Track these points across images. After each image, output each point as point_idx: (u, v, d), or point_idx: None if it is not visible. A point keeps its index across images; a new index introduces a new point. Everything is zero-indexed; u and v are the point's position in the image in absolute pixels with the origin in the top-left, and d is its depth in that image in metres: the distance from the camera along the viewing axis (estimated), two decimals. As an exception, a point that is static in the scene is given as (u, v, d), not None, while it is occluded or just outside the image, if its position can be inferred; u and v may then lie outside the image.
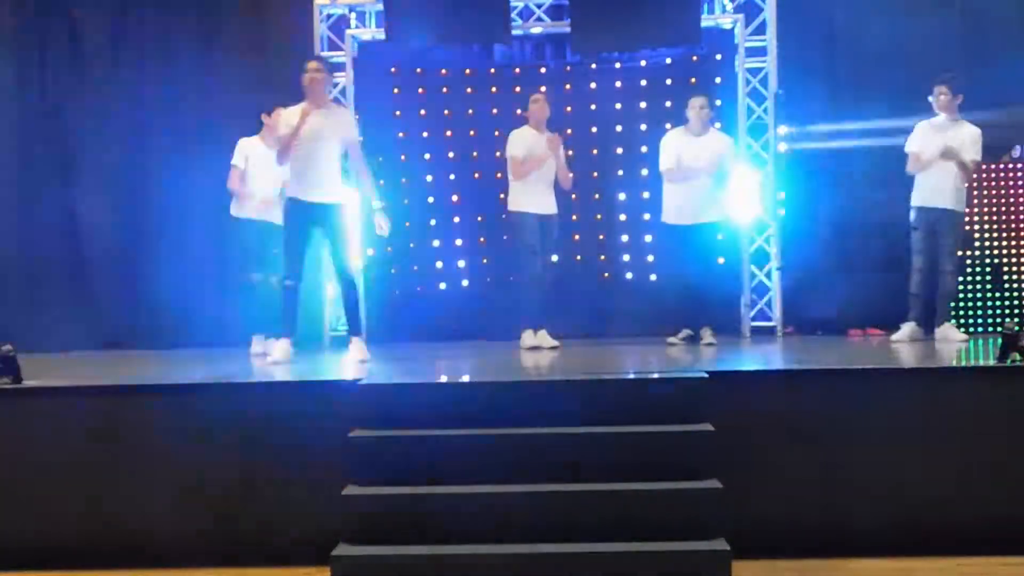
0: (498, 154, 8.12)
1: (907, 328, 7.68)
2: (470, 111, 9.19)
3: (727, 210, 8.00)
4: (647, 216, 9.05)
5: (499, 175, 8.51)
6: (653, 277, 9.05)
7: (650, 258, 9.16)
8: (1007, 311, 8.48)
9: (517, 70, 9.31)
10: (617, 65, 9.25)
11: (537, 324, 7.67)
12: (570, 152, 8.34)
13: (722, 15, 8.93)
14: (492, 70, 9.33)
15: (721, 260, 8.36)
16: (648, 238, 9.19)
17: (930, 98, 7.66)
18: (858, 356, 6.81)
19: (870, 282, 8.59)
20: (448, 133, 9.31)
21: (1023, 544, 5.04)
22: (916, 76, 7.93)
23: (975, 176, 8.15)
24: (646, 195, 9.00)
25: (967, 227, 8.57)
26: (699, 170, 7.68)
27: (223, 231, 8.12)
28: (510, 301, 8.14)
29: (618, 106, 9.16)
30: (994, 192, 8.63)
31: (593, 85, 9.30)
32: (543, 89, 8.68)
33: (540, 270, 7.68)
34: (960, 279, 8.32)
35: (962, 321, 8.57)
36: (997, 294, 8.60)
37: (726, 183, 7.89)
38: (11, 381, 5.51)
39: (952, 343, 7.42)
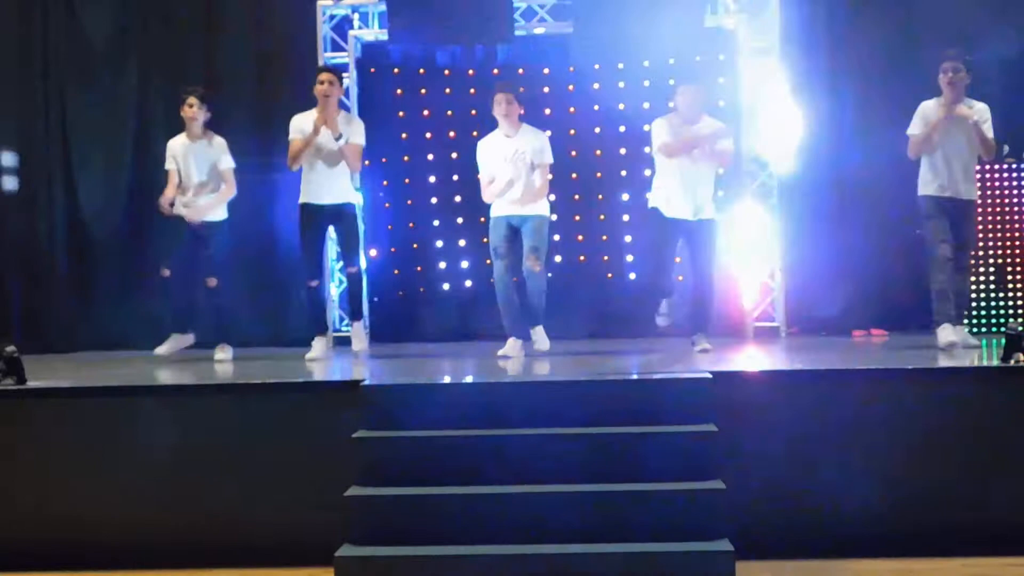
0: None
1: (950, 330, 6.75)
2: (473, 112, 9.16)
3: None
4: (651, 217, 9.02)
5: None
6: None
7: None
8: (1011, 311, 8.45)
9: (521, 71, 9.30)
10: (620, 66, 9.22)
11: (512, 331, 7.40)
12: (573, 153, 8.33)
13: (725, 15, 8.91)
14: (495, 71, 9.30)
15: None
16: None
17: (941, 76, 6.93)
18: (861, 356, 6.81)
19: (874, 282, 8.58)
20: (451, 134, 9.29)
21: (1026, 545, 5.06)
22: (919, 76, 7.89)
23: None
24: (649, 196, 8.96)
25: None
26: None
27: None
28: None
29: (621, 106, 9.15)
30: (998, 191, 8.60)
31: (596, 86, 9.29)
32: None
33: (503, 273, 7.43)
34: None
35: (966, 322, 8.54)
36: (1001, 294, 8.58)
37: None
38: (15, 382, 5.53)
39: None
